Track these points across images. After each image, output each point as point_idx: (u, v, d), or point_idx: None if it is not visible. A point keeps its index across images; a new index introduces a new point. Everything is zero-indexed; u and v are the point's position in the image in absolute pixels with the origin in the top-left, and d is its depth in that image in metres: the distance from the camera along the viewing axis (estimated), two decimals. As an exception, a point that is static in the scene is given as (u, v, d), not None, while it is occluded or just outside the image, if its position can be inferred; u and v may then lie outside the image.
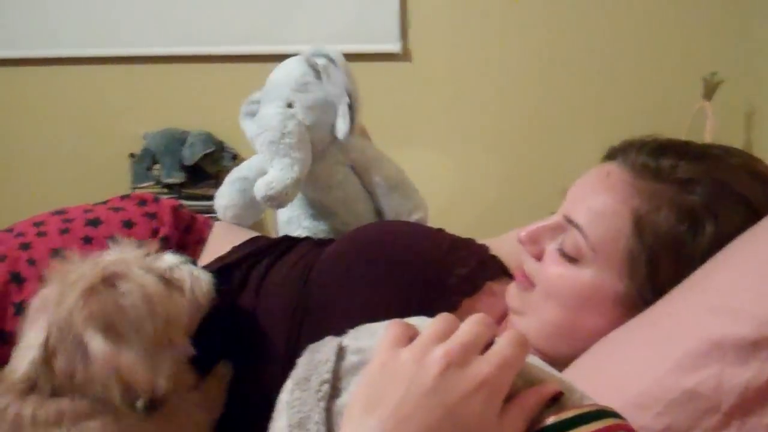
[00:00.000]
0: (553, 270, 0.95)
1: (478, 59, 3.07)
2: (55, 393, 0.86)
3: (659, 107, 2.81)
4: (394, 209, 1.44)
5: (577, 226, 0.93)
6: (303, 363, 0.72)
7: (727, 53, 2.83)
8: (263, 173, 1.35)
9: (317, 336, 0.76)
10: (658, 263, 0.87)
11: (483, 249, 1.17)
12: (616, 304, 0.90)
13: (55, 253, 1.07)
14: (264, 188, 1.29)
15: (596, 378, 0.79)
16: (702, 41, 2.89)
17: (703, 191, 0.88)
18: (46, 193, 3.15)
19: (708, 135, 2.44)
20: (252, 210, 1.46)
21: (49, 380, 0.86)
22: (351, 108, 1.33)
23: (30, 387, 0.86)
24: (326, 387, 0.68)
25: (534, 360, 0.71)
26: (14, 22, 3.18)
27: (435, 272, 1.07)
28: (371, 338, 0.73)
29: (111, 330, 0.85)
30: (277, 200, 1.30)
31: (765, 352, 0.67)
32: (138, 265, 0.93)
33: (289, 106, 1.33)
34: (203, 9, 3.11)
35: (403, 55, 3.06)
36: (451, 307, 1.03)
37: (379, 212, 1.46)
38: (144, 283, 0.91)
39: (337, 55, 1.34)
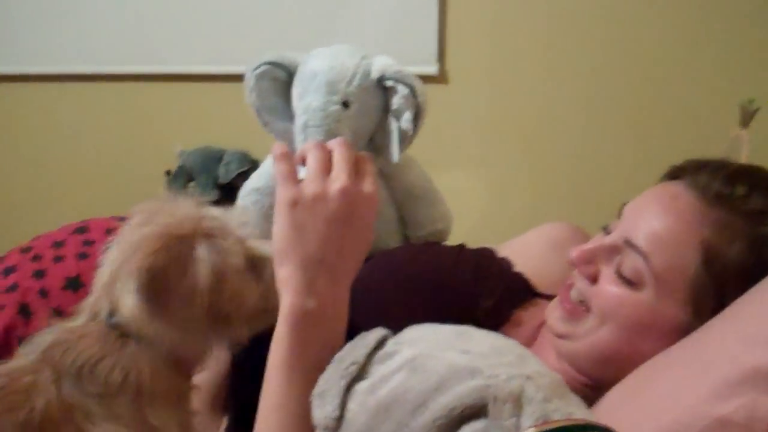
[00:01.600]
0: (611, 292, 0.91)
1: (516, 83, 3.06)
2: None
3: (696, 134, 2.78)
4: (416, 217, 1.41)
5: (639, 251, 0.89)
6: (347, 347, 0.77)
7: (766, 80, 2.80)
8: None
9: None
10: (725, 295, 0.84)
11: (506, 268, 1.14)
12: (677, 332, 0.86)
13: (69, 283, 1.06)
14: None
15: (632, 403, 0.79)
16: (739, 67, 2.86)
17: None
18: (83, 209, 3.18)
19: (744, 163, 2.41)
20: (270, 221, 1.41)
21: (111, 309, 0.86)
22: (412, 133, 1.29)
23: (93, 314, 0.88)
24: (354, 368, 0.72)
25: (546, 376, 0.70)
26: (54, 38, 3.23)
27: (462, 307, 1.05)
28: (413, 333, 0.77)
29: (154, 290, 0.84)
30: None
31: None
32: (234, 234, 0.92)
33: (345, 104, 1.26)
34: (242, 27, 3.14)
35: (440, 77, 3.06)
36: None
37: (401, 219, 1.43)
38: (227, 253, 0.89)
39: (420, 87, 1.28)
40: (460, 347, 0.72)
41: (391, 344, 0.75)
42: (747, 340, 0.73)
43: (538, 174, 3.07)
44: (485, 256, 1.17)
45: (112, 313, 0.87)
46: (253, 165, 3.03)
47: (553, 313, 1.00)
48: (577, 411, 0.67)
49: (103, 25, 3.20)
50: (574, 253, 0.95)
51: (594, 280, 0.94)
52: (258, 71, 1.35)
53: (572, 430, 0.60)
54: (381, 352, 0.74)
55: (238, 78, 3.17)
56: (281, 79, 1.36)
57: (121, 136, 3.31)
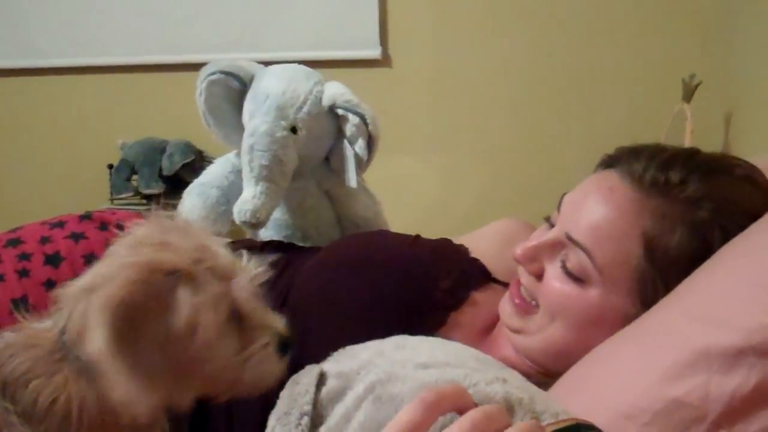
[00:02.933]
0: (558, 289, 0.92)
1: (458, 64, 3.07)
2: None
3: (640, 109, 2.82)
4: None
5: (581, 247, 0.89)
6: (284, 396, 0.71)
7: (706, 55, 2.85)
8: (224, 181, 1.35)
9: (300, 356, 0.75)
10: (670, 283, 0.84)
11: (462, 253, 1.14)
12: (625, 323, 0.86)
13: (16, 305, 0.98)
14: (249, 214, 1.22)
15: (584, 390, 0.79)
16: (681, 44, 2.91)
17: (711, 207, 0.86)
18: (25, 205, 3.11)
19: (687, 136, 2.45)
20: (215, 214, 1.40)
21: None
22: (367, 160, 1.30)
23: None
24: (306, 420, 0.67)
25: (513, 376, 0.70)
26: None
27: (420, 288, 1.05)
28: (352, 360, 0.72)
29: (124, 328, 0.72)
30: (259, 226, 1.26)
31: (750, 360, 0.67)
32: (229, 273, 0.80)
33: (293, 130, 1.27)
34: (181, 17, 3.10)
35: (383, 61, 3.06)
36: (439, 323, 1.03)
37: None
38: (208, 303, 0.76)
39: (371, 116, 1.28)
40: (414, 361, 0.69)
41: (332, 379, 0.70)
42: (696, 320, 0.74)
43: (482, 154, 3.09)
44: (441, 242, 1.18)
45: (66, 332, 0.78)
46: (197, 155, 2.99)
47: (505, 308, 1.00)
48: (557, 407, 0.66)
49: (40, 18, 3.14)
50: (518, 250, 0.96)
51: (539, 276, 0.94)
52: (211, 78, 1.34)
53: (571, 430, 0.59)
54: (326, 390, 0.69)
55: (178, 68, 3.13)
56: (234, 87, 1.35)
57: (60, 130, 3.25)
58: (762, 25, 2.52)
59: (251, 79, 1.35)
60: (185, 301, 0.74)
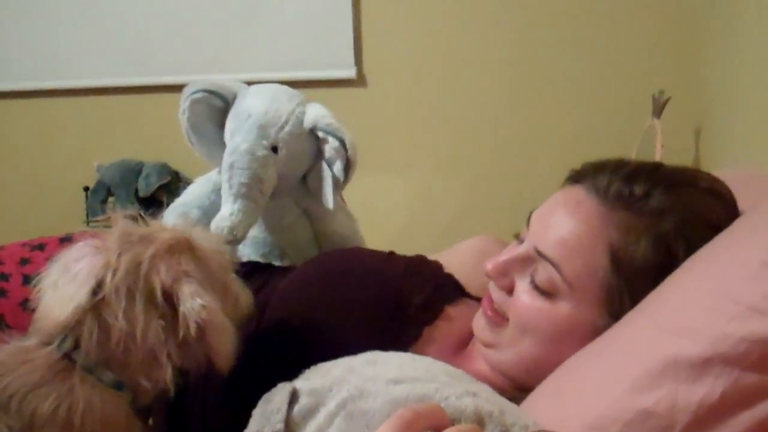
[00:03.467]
0: (527, 304, 0.92)
1: (433, 83, 3.10)
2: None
3: (611, 125, 2.86)
4: None
5: (550, 261, 0.91)
6: (256, 415, 0.71)
7: (675, 71, 2.89)
8: (206, 201, 1.36)
9: (273, 373, 0.75)
10: (637, 295, 0.85)
11: (436, 268, 1.15)
12: (595, 335, 0.87)
13: None
14: (226, 231, 1.22)
15: (555, 402, 0.80)
16: (650, 60, 2.95)
17: (675, 219, 0.88)
18: (1, 227, 3.09)
19: (658, 151, 2.49)
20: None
21: (72, 336, 0.81)
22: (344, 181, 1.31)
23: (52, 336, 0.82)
24: None
25: (483, 390, 0.71)
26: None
27: (393, 302, 1.05)
28: (324, 377, 0.72)
29: (206, 287, 0.82)
30: (235, 243, 1.26)
31: (717, 369, 0.68)
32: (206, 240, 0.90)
33: (274, 149, 1.27)
34: (156, 38, 3.11)
35: (358, 81, 3.08)
36: (412, 338, 1.03)
37: None
38: (219, 258, 0.89)
39: (351, 142, 1.29)
40: (386, 377, 0.70)
41: (304, 397, 0.70)
42: (663, 330, 0.75)
43: (457, 172, 3.11)
44: (415, 258, 1.18)
45: (66, 343, 0.82)
46: (173, 176, 2.99)
47: (477, 323, 1.01)
48: (527, 419, 0.67)
49: (12, 41, 3.14)
50: (489, 265, 0.97)
51: (510, 291, 0.95)
52: (194, 96, 1.33)
53: None
54: (297, 408, 0.69)
55: (153, 89, 3.13)
56: (217, 106, 1.34)
57: (36, 153, 3.23)
58: (730, 41, 2.57)
59: (234, 97, 1.35)
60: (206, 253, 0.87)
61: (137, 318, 0.81)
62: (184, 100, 1.33)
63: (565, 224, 0.92)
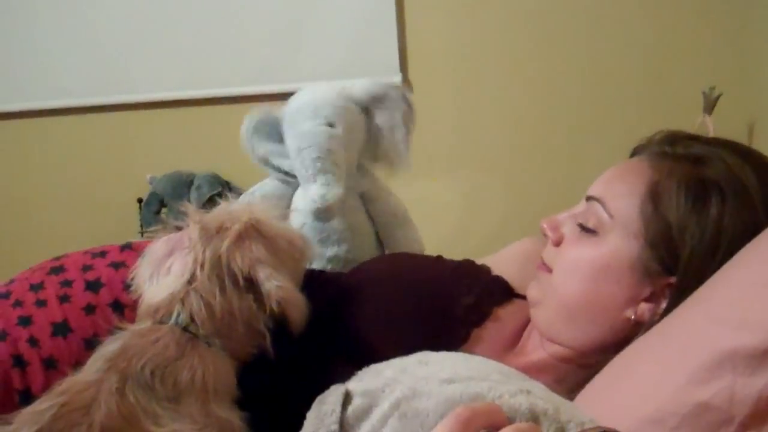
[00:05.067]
0: (571, 250, 0.98)
1: (478, 86, 3.09)
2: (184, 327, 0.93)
3: (662, 122, 2.80)
4: (395, 239, 1.47)
5: (596, 198, 0.96)
6: (311, 417, 0.71)
7: (726, 67, 2.84)
8: (281, 197, 1.41)
9: (326, 376, 0.76)
10: (669, 226, 0.90)
11: (485, 271, 1.16)
12: (633, 269, 0.92)
13: (57, 329, 1.03)
14: (318, 200, 1.29)
15: (610, 397, 0.80)
16: (701, 56, 2.91)
17: (715, 170, 0.92)
18: (60, 240, 3.16)
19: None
20: None
21: (186, 311, 0.93)
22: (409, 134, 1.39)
23: (166, 315, 0.93)
24: None
25: (537, 387, 0.70)
26: (18, 75, 3.23)
27: (442, 304, 1.06)
28: (377, 378, 0.72)
29: (277, 267, 0.96)
30: (329, 212, 1.32)
31: None
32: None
33: (330, 125, 1.34)
34: (203, 52, 3.15)
35: (404, 86, 3.08)
36: (462, 339, 1.04)
37: (381, 244, 1.48)
38: (282, 232, 1.01)
39: (404, 89, 1.39)
40: (438, 377, 0.69)
41: (358, 398, 0.70)
42: (719, 323, 0.74)
43: (506, 174, 3.09)
44: (463, 262, 1.19)
45: (182, 317, 0.93)
46: (224, 186, 3.03)
47: (530, 288, 1.05)
48: (582, 416, 0.67)
49: (66, 58, 3.20)
50: (544, 222, 1.03)
51: (559, 244, 1.00)
52: (249, 130, 1.44)
53: None
54: (351, 410, 0.69)
55: (202, 102, 3.18)
56: (273, 131, 1.43)
57: (90, 167, 3.30)
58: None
59: (282, 116, 1.43)
60: (274, 234, 1.00)
61: (231, 297, 0.94)
62: (243, 137, 1.45)
63: (613, 172, 1.00)
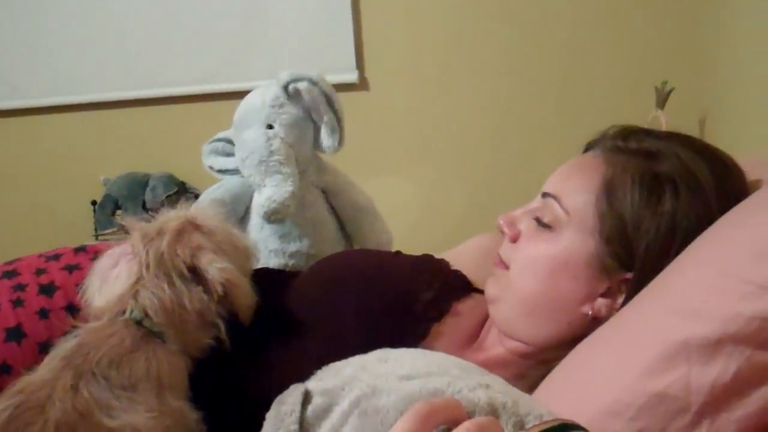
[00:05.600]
0: (527, 245, 0.98)
1: (435, 85, 3.10)
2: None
3: (615, 117, 2.82)
4: (361, 231, 1.48)
5: (551, 195, 0.97)
6: (270, 417, 0.70)
7: (678, 62, 2.89)
8: (239, 198, 1.41)
9: (285, 376, 0.75)
10: (625, 221, 0.91)
11: (443, 266, 1.16)
12: (589, 265, 0.93)
13: (10, 334, 1.02)
14: (266, 203, 1.30)
15: (568, 390, 0.81)
16: (653, 51, 2.95)
17: (668, 164, 0.92)
18: (11, 243, 3.10)
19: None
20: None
21: (139, 306, 0.94)
22: (338, 123, 1.38)
23: (118, 313, 0.94)
24: None
25: (496, 381, 0.71)
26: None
27: (401, 300, 1.06)
28: (336, 377, 0.72)
29: (218, 253, 0.98)
30: (280, 214, 1.31)
31: (728, 348, 0.69)
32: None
33: (269, 127, 1.35)
34: (157, 51, 3.12)
35: (361, 85, 3.09)
36: (421, 335, 1.03)
37: (347, 237, 1.48)
38: (220, 226, 1.04)
39: (318, 76, 1.37)
40: (398, 373, 0.70)
41: (317, 397, 0.70)
42: (674, 314, 0.75)
43: (462, 171, 3.11)
44: (422, 257, 1.19)
45: (135, 312, 0.95)
46: (180, 187, 3.00)
47: (487, 285, 1.05)
48: (541, 409, 0.67)
49: (15, 58, 3.15)
50: (501, 218, 1.03)
51: (516, 240, 1.01)
52: (207, 150, 1.51)
53: (556, 431, 0.59)
54: (311, 409, 0.69)
55: (157, 101, 3.14)
56: (229, 151, 1.47)
57: (42, 169, 3.25)
58: (733, 30, 2.57)
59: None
60: (211, 228, 1.03)
61: (180, 290, 0.96)
62: (203, 154, 1.52)
63: (568, 167, 1.01)
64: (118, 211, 3.03)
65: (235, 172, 1.46)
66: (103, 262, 1.03)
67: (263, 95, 1.38)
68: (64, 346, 0.90)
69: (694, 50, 2.88)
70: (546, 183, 1.02)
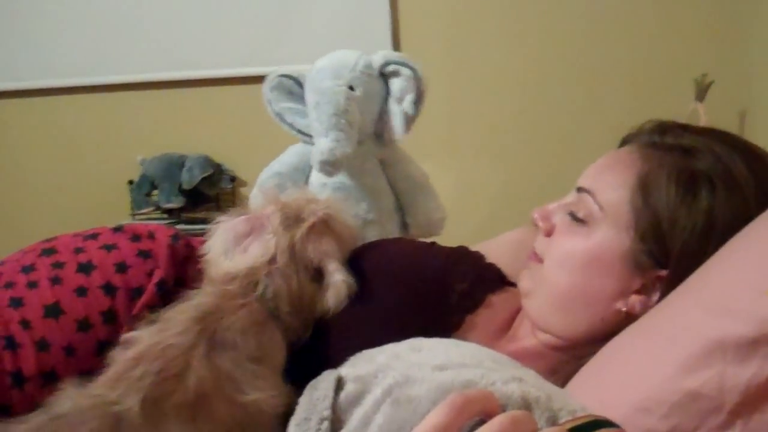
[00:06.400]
0: (561, 239, 0.98)
1: (472, 71, 3.09)
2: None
3: (654, 110, 2.78)
4: (416, 205, 1.52)
5: (587, 190, 0.97)
6: (303, 402, 0.71)
7: (717, 55, 2.85)
8: (297, 168, 1.47)
9: (318, 361, 0.76)
10: (660, 218, 0.90)
11: (478, 258, 1.16)
12: (623, 262, 0.92)
13: (49, 311, 1.03)
14: (326, 153, 1.33)
15: (601, 385, 0.80)
16: (692, 43, 2.91)
17: (705, 161, 0.92)
18: (49, 221, 3.15)
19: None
20: None
21: (271, 287, 0.99)
22: (414, 118, 1.43)
23: (245, 285, 0.99)
24: (326, 424, 0.67)
25: (530, 375, 0.71)
26: (7, 54, 3.22)
27: (435, 291, 1.06)
28: (369, 364, 0.73)
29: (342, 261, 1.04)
30: (334, 167, 1.34)
31: (764, 349, 0.68)
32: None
33: (351, 88, 1.38)
34: (196, 34, 3.14)
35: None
36: (455, 326, 1.04)
37: (401, 209, 1.52)
38: (350, 230, 1.11)
39: (421, 70, 1.42)
40: (431, 363, 0.70)
41: (350, 384, 0.71)
42: (709, 312, 0.75)
43: (497, 160, 3.10)
44: (457, 249, 1.19)
45: (268, 290, 0.99)
46: (216, 169, 3.02)
47: (523, 275, 1.06)
48: (574, 404, 0.67)
49: (55, 37, 3.19)
50: (536, 212, 1.04)
51: (550, 234, 1.01)
52: (271, 84, 1.51)
53: (581, 429, 0.60)
54: (343, 395, 0.70)
55: (195, 83, 3.16)
56: (294, 90, 1.50)
57: (80, 148, 3.29)
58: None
59: (304, 79, 1.48)
60: (341, 227, 1.10)
61: (303, 284, 1.01)
62: (265, 92, 1.51)
63: (603, 162, 1.01)
64: (154, 191, 3.06)
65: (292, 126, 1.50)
66: (236, 226, 1.08)
67: (357, 59, 1.41)
68: (197, 303, 0.96)
69: (734, 43, 2.84)
70: (581, 177, 1.01)
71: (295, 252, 1.02)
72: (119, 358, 0.88)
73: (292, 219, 1.05)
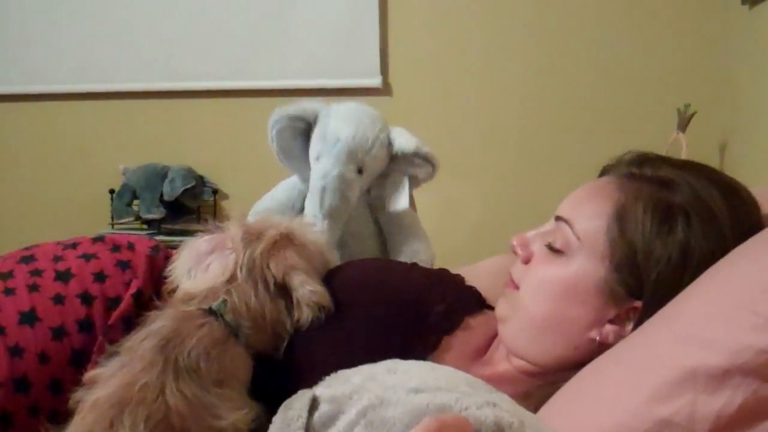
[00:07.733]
0: (539, 267, 0.98)
1: (457, 91, 3.11)
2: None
3: (636, 138, 2.80)
4: (401, 248, 1.48)
5: (564, 220, 0.97)
6: (276, 421, 0.71)
7: (701, 85, 2.88)
8: (287, 205, 1.47)
9: (293, 380, 0.76)
10: (635, 250, 0.91)
11: (458, 281, 1.17)
12: (598, 292, 0.93)
13: (24, 318, 1.02)
14: (317, 230, 1.31)
15: (573, 412, 0.81)
16: (676, 74, 2.94)
17: (682, 194, 0.93)
18: (28, 229, 3.13)
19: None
20: None
21: (229, 305, 0.98)
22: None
23: (204, 305, 0.98)
24: None
25: (504, 400, 0.71)
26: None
27: (413, 312, 1.06)
28: (344, 385, 0.73)
29: (310, 273, 1.03)
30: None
31: (736, 380, 0.69)
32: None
33: (360, 171, 1.37)
34: (183, 45, 3.14)
35: (384, 89, 3.09)
36: (432, 346, 1.04)
37: (387, 251, 1.50)
38: (314, 242, 1.09)
39: (438, 165, 1.48)
40: (406, 386, 0.70)
41: (325, 404, 0.71)
42: (682, 341, 0.75)
43: (482, 181, 3.11)
44: (437, 271, 1.20)
45: (225, 306, 0.98)
46: (198, 181, 3.01)
47: (500, 301, 1.06)
48: (545, 430, 0.67)
49: (41, 44, 3.18)
50: (514, 239, 1.04)
51: (528, 262, 1.01)
52: (279, 126, 1.44)
53: None
54: (318, 415, 0.70)
55: (179, 94, 3.16)
56: (300, 127, 1.45)
57: (62, 155, 3.27)
58: (756, 54, 2.55)
59: (315, 117, 1.43)
60: (305, 242, 1.08)
61: (264, 301, 1.00)
62: (271, 129, 1.44)
63: (582, 192, 1.01)
64: (135, 201, 3.04)
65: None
66: (199, 245, 1.07)
67: (376, 137, 1.39)
68: (157, 328, 0.93)
69: (717, 74, 2.87)
70: (560, 206, 1.02)
71: (255, 268, 1.01)
72: (87, 399, 0.86)
73: (253, 236, 1.04)
